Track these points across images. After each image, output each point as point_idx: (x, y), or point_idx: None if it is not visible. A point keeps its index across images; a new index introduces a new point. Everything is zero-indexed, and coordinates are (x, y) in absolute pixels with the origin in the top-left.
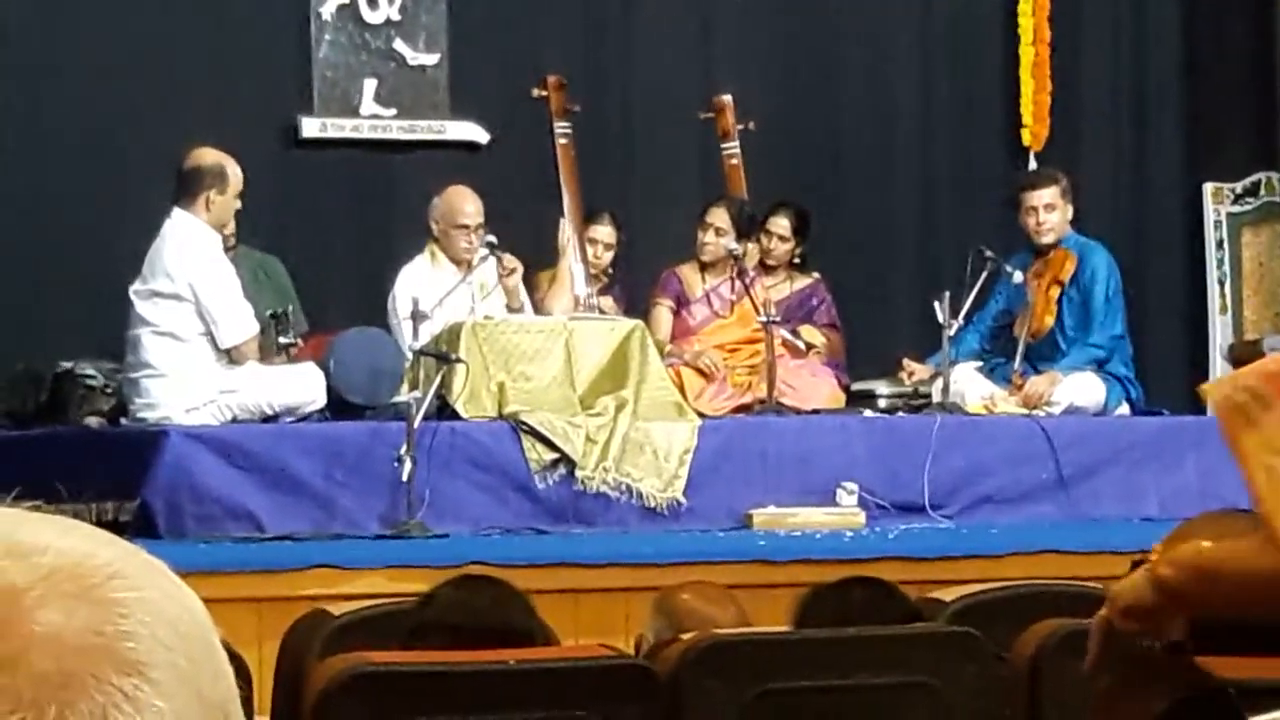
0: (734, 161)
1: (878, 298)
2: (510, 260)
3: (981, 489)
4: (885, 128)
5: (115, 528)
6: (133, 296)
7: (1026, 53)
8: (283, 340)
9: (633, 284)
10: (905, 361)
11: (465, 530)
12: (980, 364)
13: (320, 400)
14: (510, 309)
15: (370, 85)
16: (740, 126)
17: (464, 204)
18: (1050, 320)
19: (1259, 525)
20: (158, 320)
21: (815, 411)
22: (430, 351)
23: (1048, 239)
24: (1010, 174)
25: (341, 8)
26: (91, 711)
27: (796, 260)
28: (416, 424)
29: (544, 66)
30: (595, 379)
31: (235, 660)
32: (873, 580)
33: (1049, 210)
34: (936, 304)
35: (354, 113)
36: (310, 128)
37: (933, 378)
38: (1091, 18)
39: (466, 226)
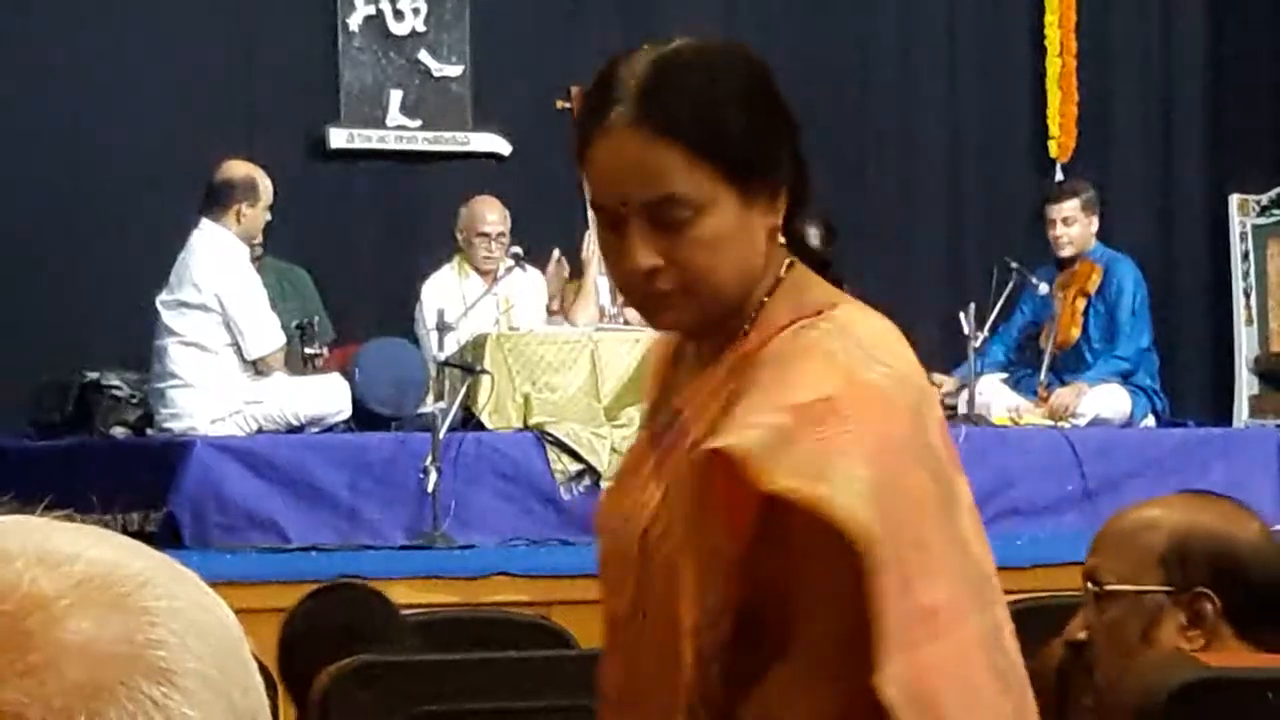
0: None
1: (903, 309)
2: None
3: (1007, 500)
4: (911, 139)
5: (141, 538)
6: (159, 307)
7: (1053, 64)
8: (308, 351)
9: None
10: (931, 374)
11: (490, 541)
12: (1006, 375)
13: (346, 411)
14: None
15: (396, 96)
16: None
17: (486, 212)
18: (1076, 332)
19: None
20: (184, 331)
21: None
22: (455, 363)
23: (1066, 252)
24: (1037, 186)
25: (368, 20)
26: None
27: None
28: (442, 435)
29: (568, 78)
30: (620, 390)
31: (261, 671)
32: None
33: (1067, 224)
34: (962, 315)
35: (380, 124)
36: (337, 138)
37: (959, 389)
38: (1118, 30)
39: (487, 235)
